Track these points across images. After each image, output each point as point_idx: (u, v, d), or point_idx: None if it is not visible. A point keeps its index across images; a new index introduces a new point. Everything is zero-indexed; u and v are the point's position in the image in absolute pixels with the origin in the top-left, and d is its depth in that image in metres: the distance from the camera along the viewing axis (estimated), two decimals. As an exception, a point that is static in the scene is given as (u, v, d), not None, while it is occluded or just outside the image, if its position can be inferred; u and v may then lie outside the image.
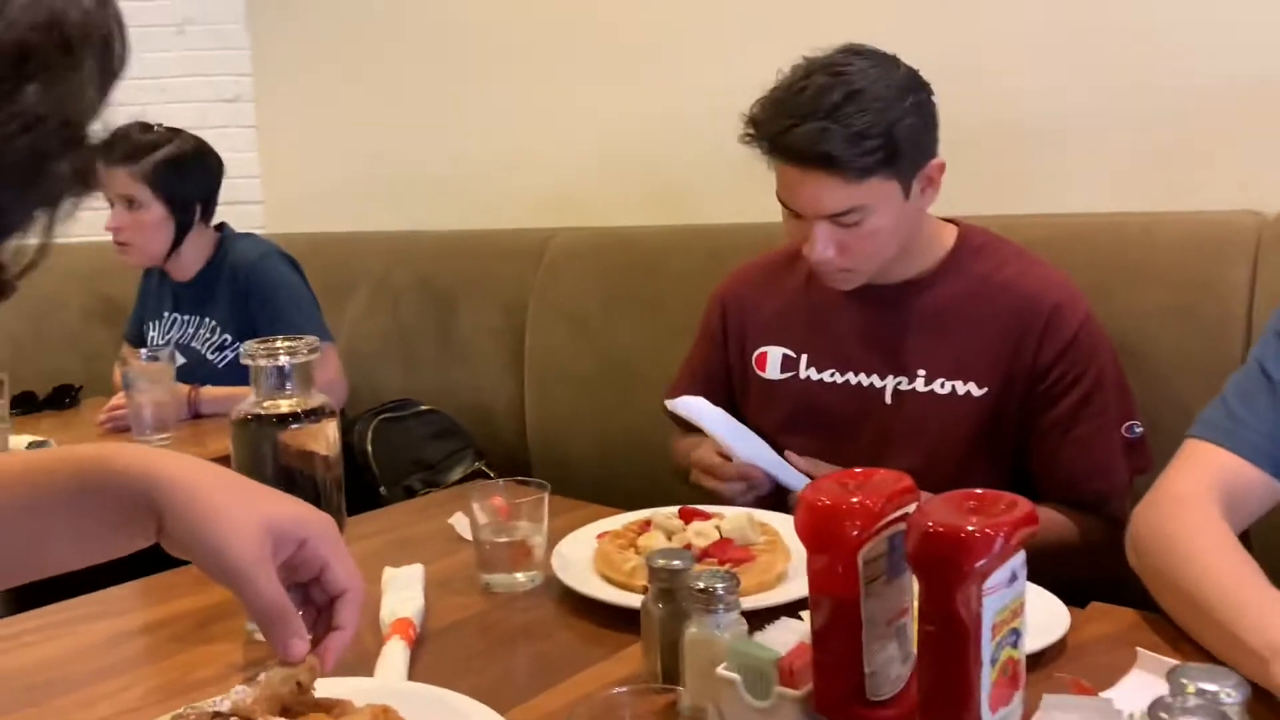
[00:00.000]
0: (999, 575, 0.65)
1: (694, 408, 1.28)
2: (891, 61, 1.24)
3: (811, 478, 1.23)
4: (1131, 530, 0.95)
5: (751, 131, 1.25)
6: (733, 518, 1.13)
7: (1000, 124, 1.74)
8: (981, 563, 0.63)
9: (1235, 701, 0.60)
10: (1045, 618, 0.92)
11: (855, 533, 0.70)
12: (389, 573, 1.07)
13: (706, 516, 1.15)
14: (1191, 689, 0.61)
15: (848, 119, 1.17)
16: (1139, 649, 0.81)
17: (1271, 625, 0.75)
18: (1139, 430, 1.26)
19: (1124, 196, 1.64)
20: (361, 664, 0.89)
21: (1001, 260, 1.32)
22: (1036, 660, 0.87)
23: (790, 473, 1.25)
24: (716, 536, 1.10)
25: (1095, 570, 1.05)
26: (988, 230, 1.37)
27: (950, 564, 0.64)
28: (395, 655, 0.90)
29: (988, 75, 1.73)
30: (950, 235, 1.35)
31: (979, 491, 0.71)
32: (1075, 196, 1.69)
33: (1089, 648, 0.89)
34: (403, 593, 1.02)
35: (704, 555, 1.06)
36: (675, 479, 1.48)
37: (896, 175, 1.22)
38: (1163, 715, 0.58)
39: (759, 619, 0.80)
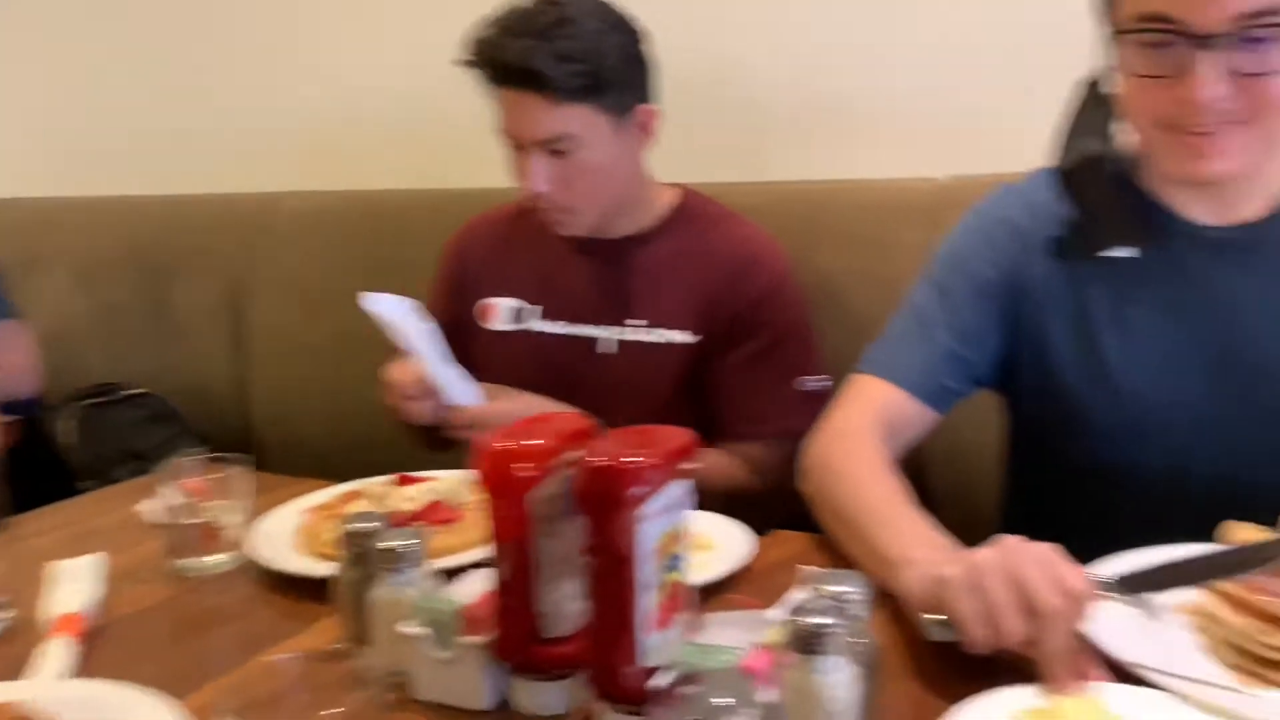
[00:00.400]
0: (655, 503, 0.68)
1: (382, 304, 1.25)
2: (607, 3, 1.32)
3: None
4: (803, 460, 1.03)
5: (470, 57, 1.29)
6: (446, 480, 1.13)
7: (721, 99, 1.82)
8: (634, 491, 0.66)
9: (858, 600, 0.66)
10: (732, 546, 0.98)
11: (527, 474, 0.72)
12: (56, 567, 0.98)
13: (419, 481, 1.14)
14: (823, 591, 0.67)
15: (556, 39, 1.24)
16: (800, 566, 0.87)
17: (905, 539, 0.83)
18: (822, 384, 1.34)
19: (823, 165, 1.75)
20: (20, 669, 0.82)
21: (716, 220, 1.40)
22: (723, 585, 0.92)
23: (465, 392, 1.26)
24: (429, 499, 1.09)
25: (776, 508, 1.12)
26: (708, 195, 1.45)
27: (606, 495, 0.66)
28: (55, 654, 0.83)
29: (710, 54, 1.80)
30: (673, 196, 1.43)
31: (648, 428, 0.74)
32: (783, 165, 1.80)
33: (769, 571, 0.96)
34: (70, 586, 0.94)
35: (414, 519, 1.05)
36: (398, 435, 1.45)
37: (606, 108, 1.29)
38: (796, 617, 0.63)
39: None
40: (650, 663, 0.68)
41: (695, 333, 1.35)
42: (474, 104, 1.35)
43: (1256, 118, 0.89)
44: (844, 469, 0.97)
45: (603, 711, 0.69)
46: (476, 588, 0.79)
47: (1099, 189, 1.01)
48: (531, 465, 0.71)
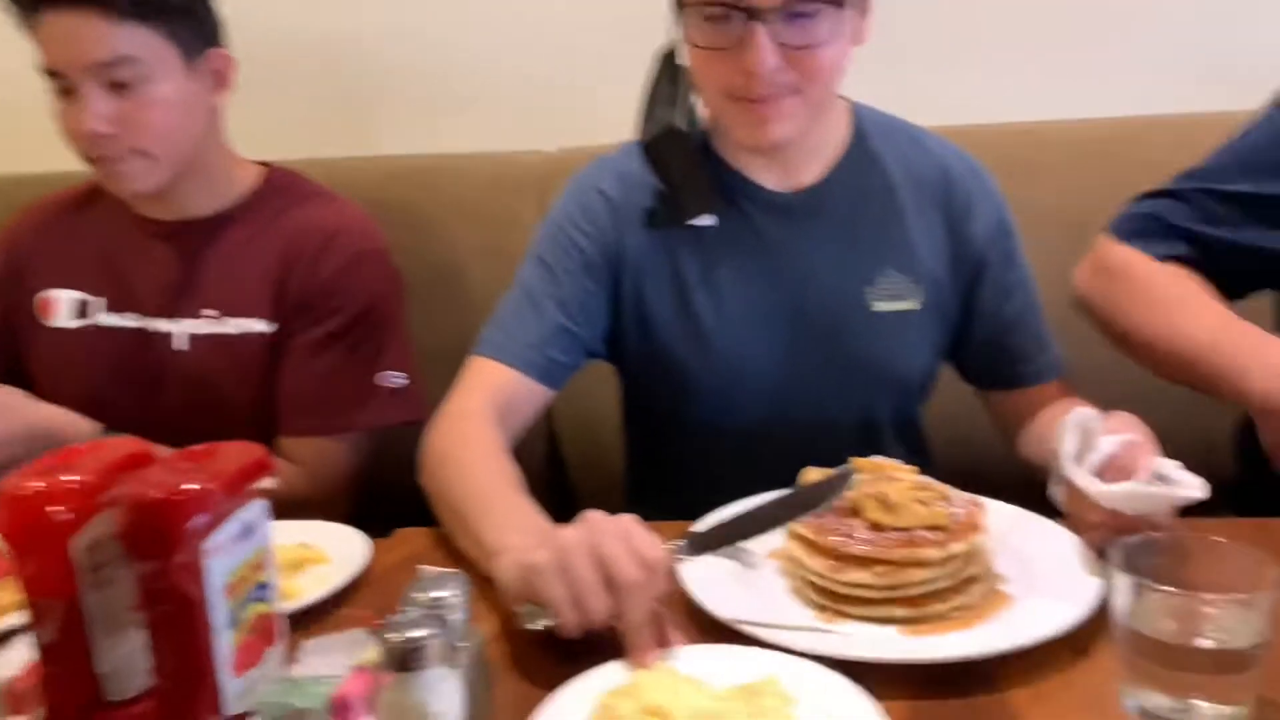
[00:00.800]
0: (224, 532, 0.61)
1: None
2: None
3: None
4: (421, 451, 0.99)
5: None
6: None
7: (328, 72, 1.71)
8: (194, 524, 0.59)
9: (457, 602, 0.64)
10: (347, 554, 0.92)
11: (63, 518, 0.61)
12: None
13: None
14: (417, 600, 0.63)
15: None
16: (419, 567, 0.83)
17: (506, 526, 0.81)
18: (401, 381, 1.24)
19: (438, 140, 1.70)
20: None
21: (301, 197, 1.29)
22: (340, 599, 0.86)
23: None
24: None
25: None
26: (296, 172, 1.34)
27: (159, 533, 0.58)
28: None
29: (317, 28, 1.68)
30: (257, 174, 1.30)
31: (212, 446, 0.66)
32: (396, 140, 1.73)
33: (390, 575, 0.91)
34: None
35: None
36: None
37: (173, 38, 1.16)
38: (388, 633, 0.58)
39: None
40: (236, 710, 0.61)
41: (271, 320, 1.23)
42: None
43: (806, 86, 0.96)
44: (454, 457, 0.94)
45: (188, 772, 0.61)
46: (21, 656, 0.67)
47: (680, 160, 1.04)
48: (67, 508, 0.61)
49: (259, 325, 1.23)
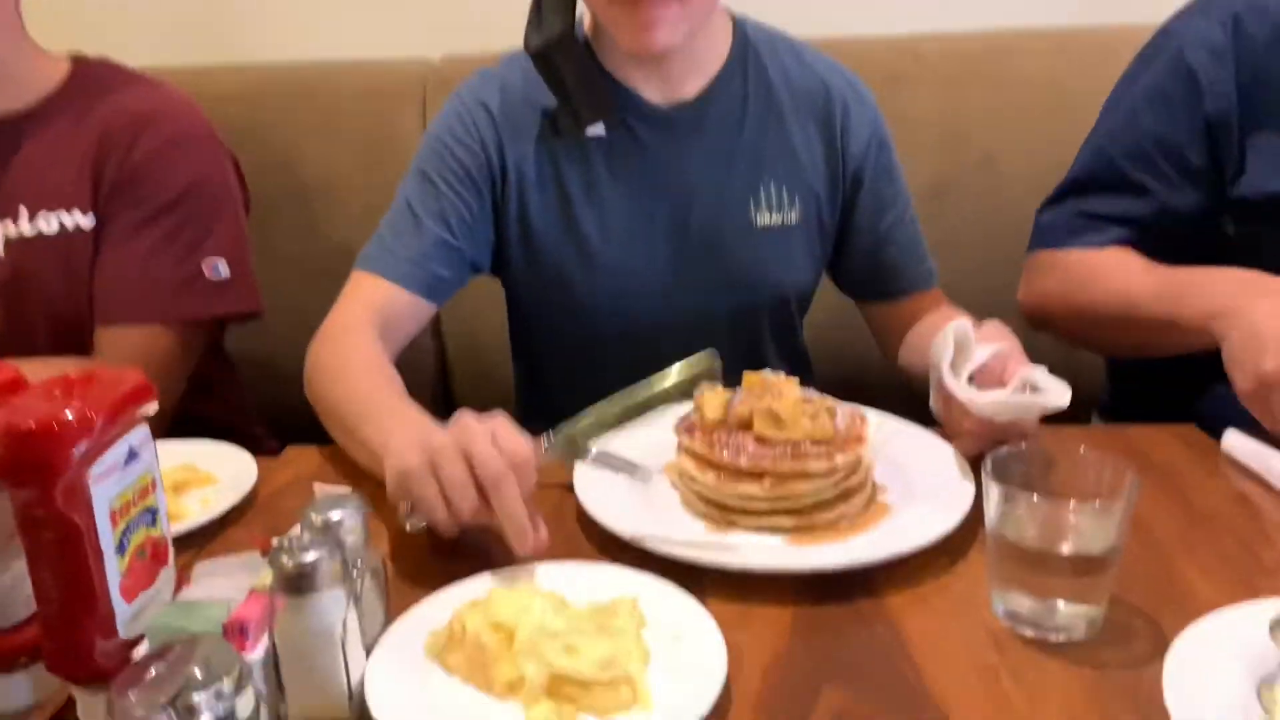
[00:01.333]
0: (109, 458, 0.59)
1: None
2: None
3: None
4: (306, 363, 0.97)
5: None
6: None
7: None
8: (79, 450, 0.56)
9: (353, 521, 0.63)
10: (235, 475, 0.90)
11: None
12: None
13: None
14: (312, 520, 0.63)
15: None
16: (316, 484, 0.82)
17: (389, 429, 0.79)
18: (227, 271, 1.18)
19: (312, 46, 1.62)
20: None
21: (115, 85, 1.20)
22: (230, 520, 0.85)
23: None
24: None
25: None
26: (110, 61, 1.25)
27: (39, 462, 0.56)
28: None
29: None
30: (66, 69, 1.21)
31: (81, 372, 0.63)
32: (266, 46, 1.64)
33: (282, 494, 0.90)
34: None
35: None
36: None
37: None
38: (280, 557, 0.58)
39: None
40: (128, 634, 0.60)
41: (90, 211, 1.16)
42: None
43: None
44: (336, 367, 0.92)
45: (82, 696, 0.60)
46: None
47: (567, 71, 1.03)
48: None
49: (79, 219, 1.15)
